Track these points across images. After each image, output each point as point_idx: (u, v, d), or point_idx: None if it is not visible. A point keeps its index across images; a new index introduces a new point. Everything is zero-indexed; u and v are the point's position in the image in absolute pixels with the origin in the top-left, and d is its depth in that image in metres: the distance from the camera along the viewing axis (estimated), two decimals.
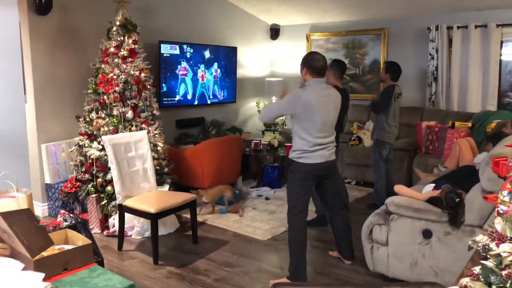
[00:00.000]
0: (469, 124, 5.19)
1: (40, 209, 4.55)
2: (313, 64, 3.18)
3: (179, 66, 5.68)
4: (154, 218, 3.53)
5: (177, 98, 5.72)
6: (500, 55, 5.46)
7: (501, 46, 5.44)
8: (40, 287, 1.54)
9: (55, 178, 4.58)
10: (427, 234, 2.93)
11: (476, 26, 5.46)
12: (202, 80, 6.05)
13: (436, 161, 5.09)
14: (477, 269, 1.26)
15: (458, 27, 5.58)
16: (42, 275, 1.57)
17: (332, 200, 3.45)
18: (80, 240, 1.95)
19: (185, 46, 5.72)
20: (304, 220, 3.23)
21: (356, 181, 5.96)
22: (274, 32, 7.32)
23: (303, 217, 3.21)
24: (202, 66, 6.01)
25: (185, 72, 5.78)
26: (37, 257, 1.67)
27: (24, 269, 1.64)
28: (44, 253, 1.73)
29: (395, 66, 4.70)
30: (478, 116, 5.22)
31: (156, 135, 4.46)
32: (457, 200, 2.79)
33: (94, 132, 4.28)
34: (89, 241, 1.90)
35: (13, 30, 3.01)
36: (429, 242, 2.93)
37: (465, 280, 1.21)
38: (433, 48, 5.73)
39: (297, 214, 3.19)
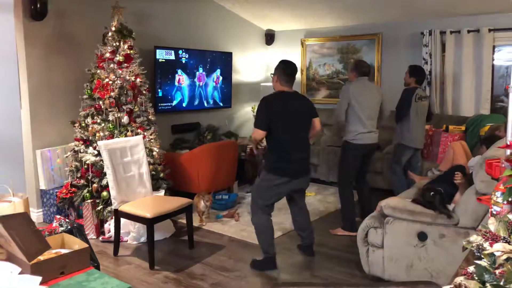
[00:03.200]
0: (463, 128, 5.23)
1: (35, 215, 4.53)
2: (360, 68, 4.22)
3: (174, 72, 5.69)
4: (150, 223, 3.53)
5: (173, 103, 5.73)
6: (493, 59, 5.52)
7: (493, 51, 5.50)
8: None
9: (50, 184, 4.56)
10: (422, 236, 2.95)
11: (468, 31, 5.52)
12: (198, 85, 6.07)
13: (430, 164, 5.12)
14: (471, 268, 1.28)
15: (451, 32, 5.64)
16: (39, 278, 1.57)
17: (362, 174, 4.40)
18: (77, 244, 1.95)
19: (180, 52, 5.74)
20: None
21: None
22: (269, 37, 7.37)
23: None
24: (197, 72, 6.02)
25: (181, 77, 5.80)
26: (34, 261, 1.67)
27: (21, 273, 1.64)
28: (41, 257, 1.73)
29: (419, 69, 4.65)
30: (472, 120, 5.26)
31: (152, 140, 4.46)
32: (431, 194, 3.00)
33: (90, 138, 4.27)
34: (86, 245, 1.90)
35: (8, 36, 3.02)
36: (425, 245, 2.95)
37: (459, 279, 1.23)
38: (426, 53, 5.78)
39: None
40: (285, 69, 3.49)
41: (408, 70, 4.68)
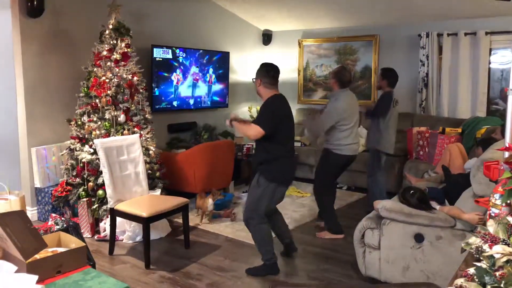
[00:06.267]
0: (459, 130, 5.25)
1: (30, 213, 4.49)
2: (342, 78, 4.07)
3: (171, 70, 5.67)
4: (146, 222, 3.51)
5: (169, 102, 5.71)
6: (489, 62, 5.54)
7: (490, 54, 5.52)
8: None
9: (45, 182, 4.53)
10: (419, 238, 2.96)
11: (465, 34, 5.54)
12: (195, 84, 6.05)
13: (426, 166, 5.14)
14: (471, 270, 1.28)
15: (448, 35, 5.66)
16: (36, 277, 1.55)
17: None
18: (74, 242, 1.93)
19: (177, 51, 5.72)
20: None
21: (348, 186, 5.98)
22: (266, 37, 7.36)
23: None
24: (194, 71, 6.01)
25: (177, 76, 5.78)
26: (30, 260, 1.65)
27: (17, 271, 1.62)
28: (37, 256, 1.71)
29: (392, 72, 4.60)
30: (468, 122, 5.28)
31: (148, 139, 4.44)
32: (411, 192, 3.13)
33: (86, 136, 4.25)
34: (82, 244, 1.89)
35: (4, 33, 3.00)
36: (421, 246, 2.95)
37: (460, 281, 1.23)
38: (423, 55, 5.80)
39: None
40: (268, 71, 3.38)
41: (380, 73, 4.70)
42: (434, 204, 3.10)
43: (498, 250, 1.34)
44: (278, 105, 3.33)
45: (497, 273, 1.22)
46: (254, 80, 3.44)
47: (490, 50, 5.52)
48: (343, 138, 4.07)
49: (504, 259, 1.27)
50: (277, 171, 3.33)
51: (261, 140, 3.30)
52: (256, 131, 3.24)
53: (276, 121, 3.27)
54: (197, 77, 6.08)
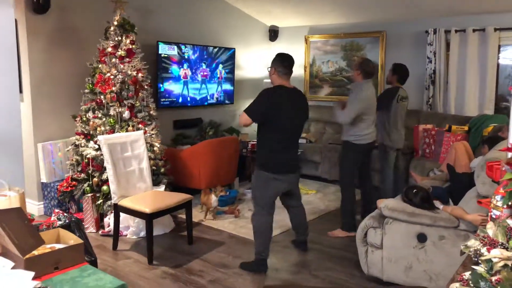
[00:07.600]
0: (466, 128, 5.18)
1: (36, 208, 4.54)
2: (366, 68, 4.11)
3: (176, 67, 5.67)
4: (149, 218, 3.52)
5: (175, 98, 5.71)
6: (498, 59, 5.46)
7: (499, 50, 5.44)
8: (29, 286, 1.53)
9: (51, 177, 4.57)
10: (421, 238, 2.93)
11: (474, 30, 5.47)
12: (200, 81, 6.05)
13: (432, 164, 5.08)
14: (467, 275, 1.26)
15: (456, 31, 5.58)
16: (32, 273, 1.56)
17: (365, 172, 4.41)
18: (72, 239, 1.94)
19: (183, 47, 5.72)
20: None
21: None
22: (273, 33, 7.32)
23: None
24: (200, 67, 6.00)
25: (183, 72, 5.78)
26: (27, 256, 1.66)
27: (14, 267, 1.63)
28: (35, 252, 1.72)
29: (403, 68, 4.59)
30: (475, 120, 5.21)
31: (153, 136, 4.45)
32: (414, 191, 3.09)
33: (91, 132, 4.27)
34: (80, 241, 1.90)
35: (9, 28, 3.00)
36: (424, 246, 2.93)
37: (455, 286, 1.21)
38: (431, 52, 5.73)
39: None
40: (282, 61, 3.46)
41: (391, 68, 4.68)
42: (437, 203, 3.07)
43: (496, 254, 1.31)
44: (273, 95, 3.34)
45: (493, 278, 1.20)
46: (269, 68, 3.55)
47: (499, 46, 5.43)
48: (363, 129, 4.13)
49: (502, 263, 1.25)
50: (262, 157, 3.44)
51: (258, 129, 3.44)
52: (243, 118, 3.37)
53: (265, 111, 3.28)
54: (203, 73, 6.07)
